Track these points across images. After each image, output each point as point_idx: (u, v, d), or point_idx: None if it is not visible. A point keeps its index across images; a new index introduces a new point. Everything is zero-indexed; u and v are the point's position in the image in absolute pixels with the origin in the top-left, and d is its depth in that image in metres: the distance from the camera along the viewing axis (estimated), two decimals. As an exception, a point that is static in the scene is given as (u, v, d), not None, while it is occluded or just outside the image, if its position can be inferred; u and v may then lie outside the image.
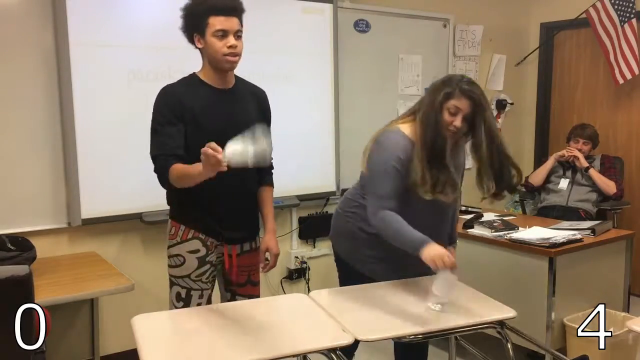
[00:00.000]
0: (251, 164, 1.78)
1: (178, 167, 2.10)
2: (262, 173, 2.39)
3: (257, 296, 2.46)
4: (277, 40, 3.66)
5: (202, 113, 2.19)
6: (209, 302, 2.37)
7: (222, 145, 1.84)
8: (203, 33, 2.16)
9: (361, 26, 4.12)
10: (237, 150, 1.76)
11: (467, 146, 2.31)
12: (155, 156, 2.17)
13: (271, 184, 2.45)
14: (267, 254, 2.41)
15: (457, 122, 2.15)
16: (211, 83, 2.24)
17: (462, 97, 2.13)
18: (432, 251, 2.05)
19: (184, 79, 2.28)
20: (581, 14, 4.52)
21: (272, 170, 2.47)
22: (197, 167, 1.92)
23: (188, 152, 2.15)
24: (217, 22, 2.12)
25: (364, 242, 2.38)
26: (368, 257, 2.39)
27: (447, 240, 2.46)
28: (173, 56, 3.17)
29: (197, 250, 2.28)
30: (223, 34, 2.13)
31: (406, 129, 2.26)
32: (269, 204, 2.42)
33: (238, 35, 2.17)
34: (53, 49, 2.97)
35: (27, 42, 2.91)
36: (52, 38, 2.96)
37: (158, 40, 3.18)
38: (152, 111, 2.21)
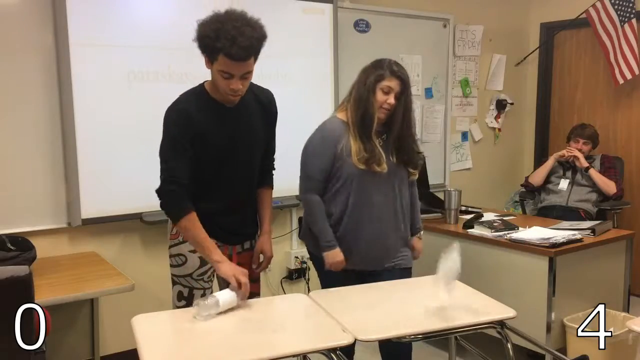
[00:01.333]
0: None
1: (195, 228, 2.11)
2: (263, 173, 2.39)
3: (257, 292, 2.46)
4: (277, 40, 3.64)
5: (209, 132, 2.15)
6: None
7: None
8: (211, 62, 2.05)
9: (361, 26, 4.12)
10: (227, 300, 2.00)
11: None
12: (164, 183, 2.12)
13: (271, 185, 2.46)
14: (261, 255, 2.41)
15: (391, 99, 2.41)
16: (218, 98, 2.17)
17: (393, 77, 2.40)
18: (334, 256, 2.48)
19: (194, 94, 2.18)
20: (581, 14, 4.52)
21: (274, 171, 2.47)
22: (211, 251, 2.12)
23: (195, 165, 2.15)
24: (225, 64, 2.00)
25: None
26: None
27: (410, 230, 2.65)
28: (173, 56, 3.17)
29: None
30: (229, 76, 2.04)
31: (342, 114, 2.53)
32: (268, 206, 2.42)
33: (245, 77, 2.07)
34: (53, 49, 2.97)
35: (27, 42, 2.91)
36: (52, 38, 2.96)
37: (158, 40, 3.18)
38: (162, 127, 2.13)
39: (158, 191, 2.13)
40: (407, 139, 2.51)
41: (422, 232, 2.78)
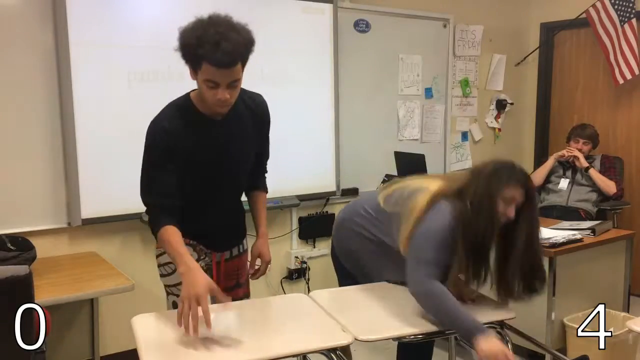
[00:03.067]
0: None
1: (169, 235, 1.96)
2: (256, 178, 2.32)
3: (247, 294, 2.39)
4: (277, 40, 3.66)
5: (194, 148, 2.04)
6: None
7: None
8: (196, 72, 1.90)
9: (361, 26, 4.12)
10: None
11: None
12: (146, 203, 2.07)
13: (265, 189, 2.39)
14: (259, 260, 2.33)
15: (511, 212, 1.99)
16: (205, 111, 2.03)
17: (519, 185, 2.00)
18: (491, 345, 1.84)
19: (177, 106, 2.04)
20: (581, 14, 4.52)
21: (266, 174, 2.41)
22: (183, 261, 1.87)
23: (180, 180, 2.05)
24: (209, 72, 1.85)
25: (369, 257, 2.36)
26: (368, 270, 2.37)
27: None
28: (173, 56, 3.13)
29: None
30: (214, 85, 1.88)
31: (447, 204, 2.05)
32: (263, 209, 2.35)
33: (233, 85, 1.91)
34: (53, 49, 2.97)
35: (27, 41, 2.91)
36: (52, 38, 2.96)
37: (158, 40, 3.18)
38: (144, 145, 2.04)
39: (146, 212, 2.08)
40: (537, 265, 2.05)
41: None
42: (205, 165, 2.07)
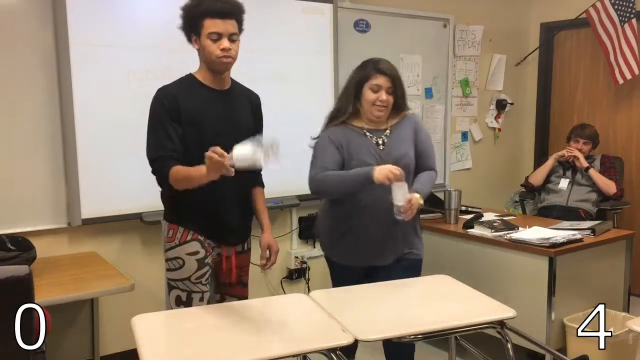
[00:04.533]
0: (259, 167, 1.78)
1: (179, 170, 2.09)
2: (252, 174, 2.39)
3: (246, 297, 2.47)
4: (277, 40, 3.66)
5: (198, 113, 2.19)
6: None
7: (220, 144, 1.87)
8: (199, 34, 2.17)
9: (361, 26, 4.12)
10: (246, 154, 1.76)
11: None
12: (153, 158, 2.17)
13: (262, 185, 2.50)
14: (267, 251, 2.42)
15: (382, 96, 2.47)
16: (207, 83, 2.25)
17: (379, 75, 2.47)
18: (382, 170, 2.33)
19: (180, 79, 2.29)
20: (581, 14, 4.52)
21: (261, 172, 2.47)
22: (200, 170, 1.92)
23: (186, 151, 2.15)
24: (211, 25, 2.13)
25: (329, 223, 2.66)
26: (331, 237, 2.65)
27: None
28: (173, 56, 3.17)
29: (197, 252, 2.27)
30: (217, 36, 2.14)
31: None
32: (262, 204, 2.47)
33: (232, 38, 2.17)
34: (53, 49, 2.97)
35: (27, 41, 2.91)
36: (52, 38, 2.96)
37: (158, 40, 3.18)
38: (148, 112, 2.22)
39: (152, 172, 2.19)
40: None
41: (420, 195, 2.49)
42: (210, 132, 2.18)
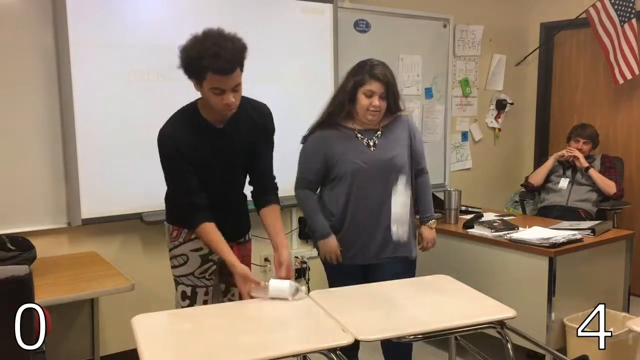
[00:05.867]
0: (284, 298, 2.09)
1: (208, 232, 2.19)
2: (267, 193, 2.38)
3: None
4: (277, 40, 3.66)
5: (194, 150, 2.20)
6: (212, 299, 2.42)
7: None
8: (200, 83, 2.10)
9: (361, 26, 4.12)
10: (283, 290, 2.10)
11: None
12: (178, 204, 2.30)
13: (278, 202, 2.42)
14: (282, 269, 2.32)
15: (375, 102, 2.50)
16: (211, 120, 2.22)
17: (374, 80, 2.49)
18: (325, 246, 2.59)
19: (184, 111, 2.25)
20: (581, 14, 4.52)
21: (277, 190, 2.44)
22: (225, 252, 2.17)
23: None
24: (214, 81, 2.05)
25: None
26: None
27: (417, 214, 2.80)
28: (173, 56, 3.13)
29: (200, 249, 2.34)
30: (220, 91, 2.07)
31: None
32: (279, 221, 2.39)
33: (236, 89, 2.11)
34: (53, 49, 2.97)
35: (27, 42, 2.91)
36: (52, 38, 2.96)
37: (158, 40, 3.18)
38: (159, 154, 2.23)
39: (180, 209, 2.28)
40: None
41: (433, 222, 2.80)
42: (202, 167, 2.23)
